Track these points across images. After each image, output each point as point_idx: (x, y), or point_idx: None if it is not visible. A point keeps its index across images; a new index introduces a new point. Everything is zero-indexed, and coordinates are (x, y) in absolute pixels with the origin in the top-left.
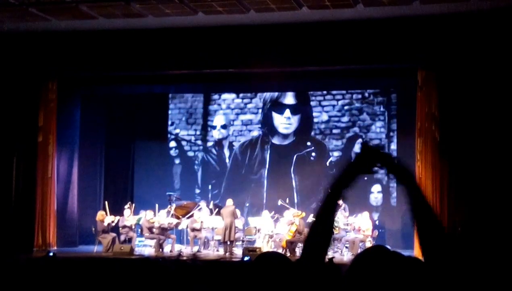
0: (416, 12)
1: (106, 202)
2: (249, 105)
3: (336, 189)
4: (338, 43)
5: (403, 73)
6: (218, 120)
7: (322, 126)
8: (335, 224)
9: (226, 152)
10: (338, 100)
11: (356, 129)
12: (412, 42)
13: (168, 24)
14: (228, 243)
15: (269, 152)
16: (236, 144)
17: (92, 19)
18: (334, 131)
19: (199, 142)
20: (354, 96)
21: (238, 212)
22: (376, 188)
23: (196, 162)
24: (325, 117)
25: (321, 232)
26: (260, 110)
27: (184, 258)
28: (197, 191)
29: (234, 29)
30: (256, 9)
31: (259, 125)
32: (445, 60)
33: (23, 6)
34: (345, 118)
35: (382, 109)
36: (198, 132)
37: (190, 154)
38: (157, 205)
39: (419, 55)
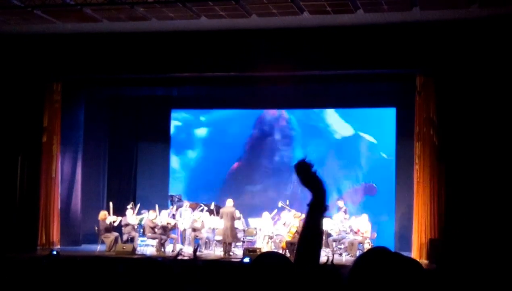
0: (415, 18)
1: (111, 203)
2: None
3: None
4: (338, 48)
5: (402, 78)
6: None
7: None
8: (335, 225)
9: (224, 151)
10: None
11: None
12: (412, 48)
13: (172, 28)
14: (227, 244)
15: (268, 151)
16: (235, 144)
17: (96, 22)
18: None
19: (192, 140)
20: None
21: (237, 212)
22: None
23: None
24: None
25: (311, 239)
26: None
27: (185, 257)
28: (191, 193)
29: (236, 33)
30: (258, 13)
31: (259, 123)
32: (444, 66)
33: (28, 9)
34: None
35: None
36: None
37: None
38: (157, 206)
39: (418, 61)
